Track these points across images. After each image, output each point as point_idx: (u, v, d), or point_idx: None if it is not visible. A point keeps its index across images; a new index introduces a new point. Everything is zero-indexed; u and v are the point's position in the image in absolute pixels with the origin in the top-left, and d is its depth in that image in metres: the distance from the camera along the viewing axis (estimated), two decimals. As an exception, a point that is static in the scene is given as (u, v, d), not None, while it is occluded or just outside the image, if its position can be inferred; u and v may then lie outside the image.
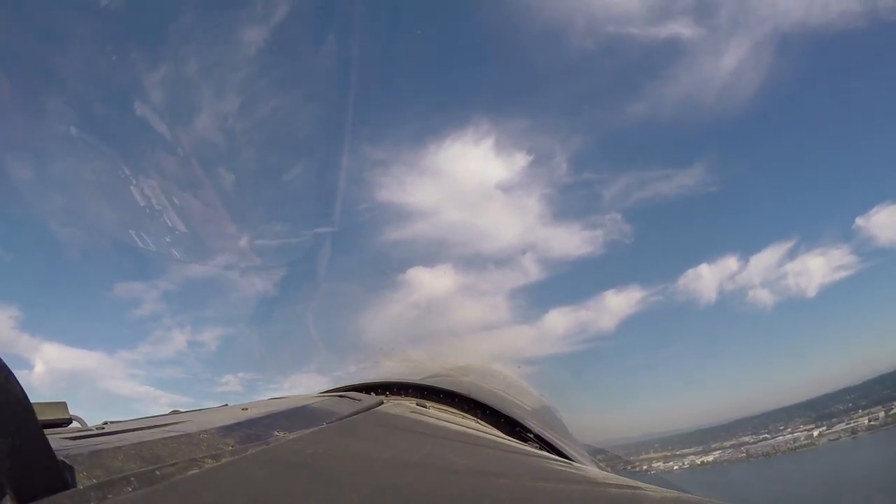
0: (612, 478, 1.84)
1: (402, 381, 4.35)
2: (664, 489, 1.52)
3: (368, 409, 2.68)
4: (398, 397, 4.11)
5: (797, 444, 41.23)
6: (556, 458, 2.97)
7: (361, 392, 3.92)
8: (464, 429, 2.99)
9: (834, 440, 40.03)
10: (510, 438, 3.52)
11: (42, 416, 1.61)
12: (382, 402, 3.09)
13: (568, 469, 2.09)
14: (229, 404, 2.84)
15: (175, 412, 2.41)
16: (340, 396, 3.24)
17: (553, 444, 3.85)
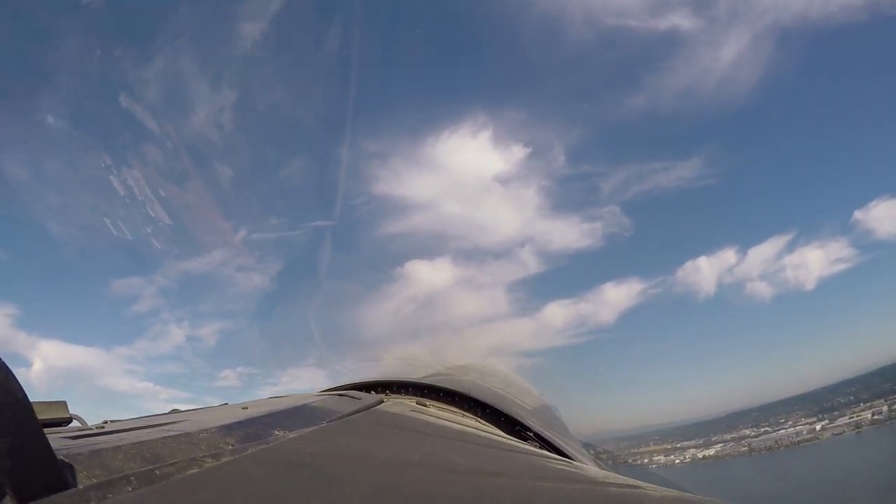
0: (613, 477, 1.84)
1: (403, 380, 4.36)
2: (664, 488, 1.52)
3: (368, 407, 2.68)
4: (398, 396, 4.11)
5: (800, 439, 40.54)
6: (557, 457, 2.97)
7: (361, 391, 3.93)
8: (464, 428, 2.99)
9: (838, 434, 39.31)
10: (510, 437, 3.52)
11: (42, 416, 1.61)
12: (382, 401, 3.10)
13: (568, 468, 2.09)
14: (229, 403, 2.84)
15: (175, 411, 2.41)
16: (340, 395, 3.24)
17: (553, 442, 3.86)
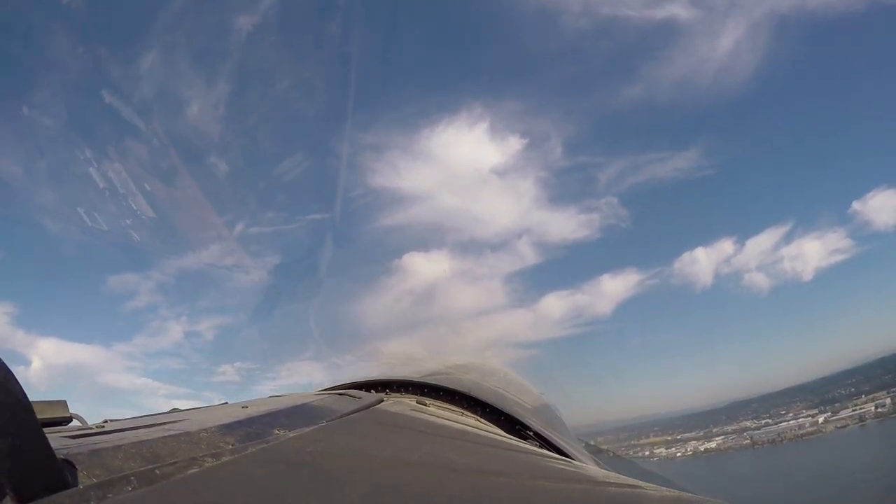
0: (613, 476, 1.84)
1: (402, 379, 4.36)
2: (664, 488, 1.52)
3: (368, 407, 2.68)
4: (398, 395, 4.11)
5: (803, 432, 39.73)
6: (557, 456, 2.97)
7: (361, 390, 3.93)
8: (464, 427, 2.99)
9: (841, 427, 38.49)
10: (510, 437, 3.52)
11: (42, 415, 1.62)
12: (382, 400, 3.09)
13: (568, 468, 2.09)
14: (229, 402, 2.84)
15: (175, 410, 2.42)
16: (340, 394, 3.24)
17: (553, 442, 3.86)
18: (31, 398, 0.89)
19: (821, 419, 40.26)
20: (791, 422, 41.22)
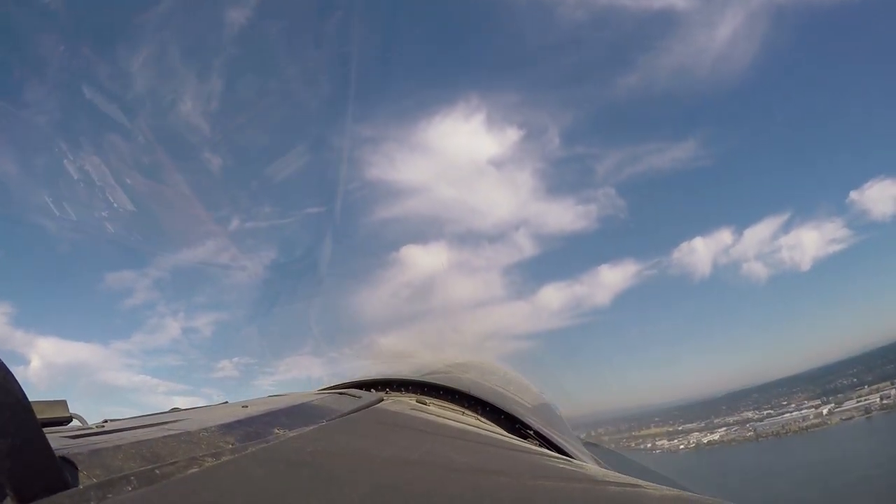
0: (612, 476, 1.84)
1: (402, 378, 4.36)
2: (664, 487, 1.52)
3: (368, 406, 2.68)
4: (398, 394, 4.11)
5: (807, 424, 38.88)
6: (557, 455, 2.97)
7: (361, 389, 3.93)
8: (464, 426, 3.00)
9: (847, 419, 37.67)
10: (510, 435, 3.52)
11: (42, 415, 1.62)
12: (382, 400, 3.10)
13: (568, 467, 2.10)
14: (229, 402, 2.84)
15: (175, 410, 2.42)
16: (340, 393, 3.24)
17: (553, 441, 3.86)
18: (30, 398, 0.89)
19: (825, 410, 39.43)
20: (794, 413, 40.45)
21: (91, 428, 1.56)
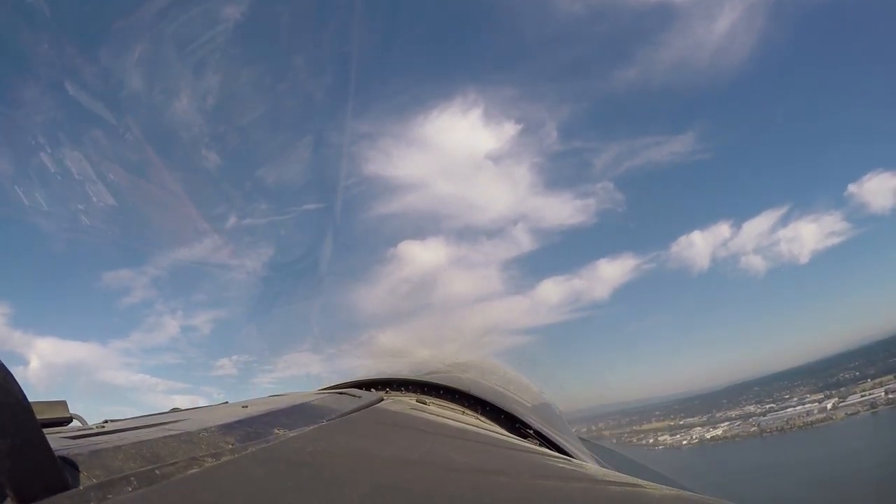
0: (613, 475, 1.85)
1: (402, 378, 4.36)
2: (664, 486, 1.52)
3: (368, 405, 2.68)
4: (398, 394, 4.11)
5: (812, 419, 38.11)
6: (557, 455, 2.97)
7: (361, 389, 3.93)
8: (464, 426, 3.00)
9: (852, 415, 36.96)
10: (511, 435, 3.52)
11: (42, 416, 1.62)
12: (382, 399, 3.10)
13: (568, 466, 2.10)
14: (229, 402, 2.84)
15: (175, 410, 2.42)
16: (340, 393, 3.24)
17: (553, 440, 3.86)
18: (30, 399, 0.89)
19: (829, 405, 38.71)
20: (798, 408, 39.71)
21: (91, 428, 1.56)
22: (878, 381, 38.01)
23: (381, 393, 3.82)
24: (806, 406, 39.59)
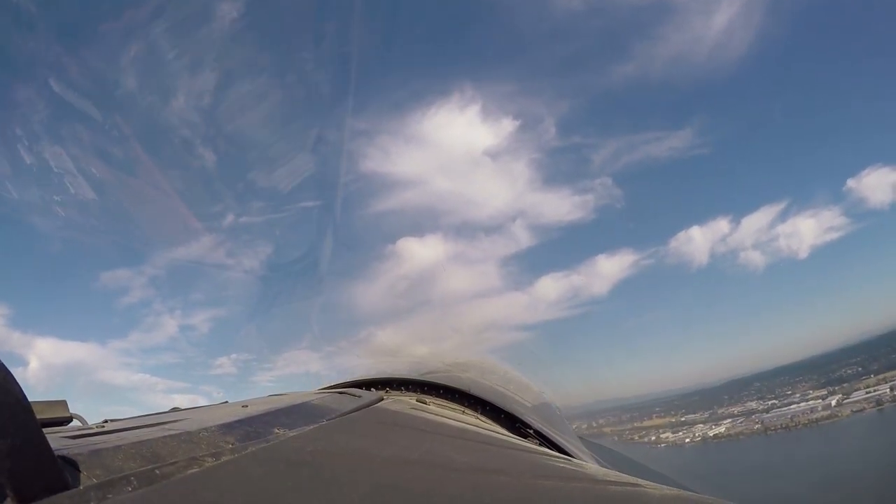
0: (613, 475, 1.85)
1: (402, 377, 4.36)
2: (665, 486, 1.52)
3: (368, 405, 2.68)
4: (398, 393, 4.11)
5: (817, 416, 37.48)
6: (557, 454, 2.97)
7: (361, 388, 3.93)
8: (464, 425, 3.00)
9: (858, 411, 36.25)
10: (511, 435, 3.53)
11: (42, 416, 1.62)
12: (382, 399, 3.10)
13: (568, 466, 2.10)
14: (229, 401, 2.85)
15: (175, 410, 2.42)
16: (340, 393, 3.24)
17: (554, 440, 3.86)
18: (30, 398, 0.89)
19: (833, 402, 38.06)
20: (801, 404, 39.06)
21: (91, 428, 1.56)
22: (881, 376, 37.38)
23: (381, 392, 3.82)
24: (809, 402, 38.92)
